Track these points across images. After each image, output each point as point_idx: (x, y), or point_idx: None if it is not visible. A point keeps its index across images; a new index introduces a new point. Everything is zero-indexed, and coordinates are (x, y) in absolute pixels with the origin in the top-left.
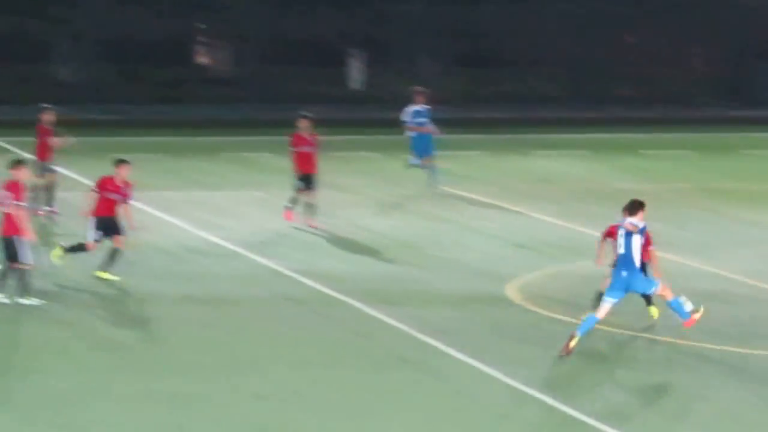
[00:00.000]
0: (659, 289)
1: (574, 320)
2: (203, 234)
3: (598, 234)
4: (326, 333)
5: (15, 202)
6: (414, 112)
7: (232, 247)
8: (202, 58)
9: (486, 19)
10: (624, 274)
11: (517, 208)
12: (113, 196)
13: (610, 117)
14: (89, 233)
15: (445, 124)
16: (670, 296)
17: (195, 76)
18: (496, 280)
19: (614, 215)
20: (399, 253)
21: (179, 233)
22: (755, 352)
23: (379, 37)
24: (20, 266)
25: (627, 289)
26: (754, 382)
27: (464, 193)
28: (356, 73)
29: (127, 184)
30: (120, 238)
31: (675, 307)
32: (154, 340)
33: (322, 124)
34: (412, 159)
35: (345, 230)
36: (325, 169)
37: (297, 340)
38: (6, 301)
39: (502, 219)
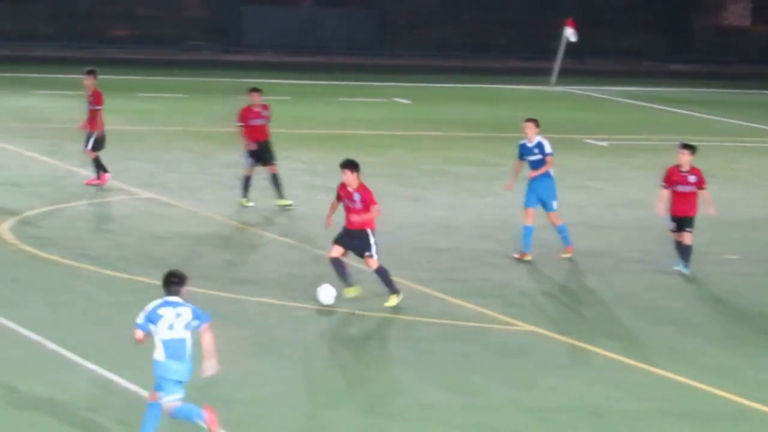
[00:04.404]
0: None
1: (68, 261)
2: None
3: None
4: None
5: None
6: None
7: None
8: None
9: None
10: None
11: (11, 147)
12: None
13: (106, 57)
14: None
15: None
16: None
17: None
18: None
19: (117, 154)
20: None
21: None
22: (243, 297)
23: None
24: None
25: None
26: (241, 327)
27: None
28: None
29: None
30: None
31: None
32: None
33: None
34: None
35: None
36: None
37: None
38: None
39: None
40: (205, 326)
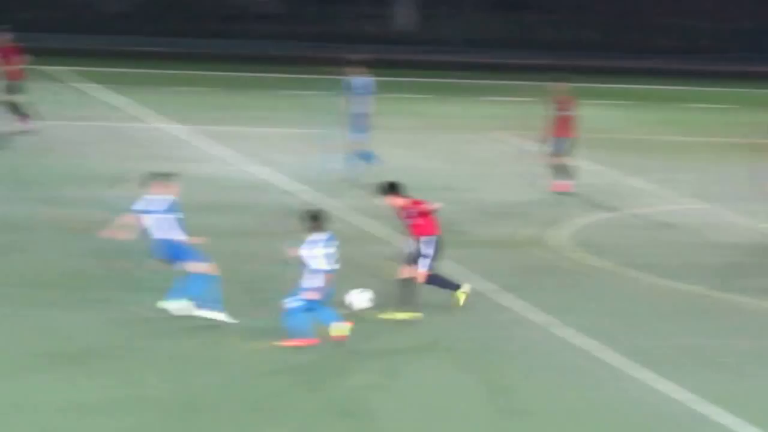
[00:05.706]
0: None
1: (620, 269)
2: (252, 168)
3: (643, 184)
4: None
5: None
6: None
7: (281, 181)
8: None
9: None
10: None
11: None
12: None
13: (650, 67)
14: None
15: (488, 68)
16: None
17: (248, 11)
18: (546, 225)
19: (665, 164)
20: (447, 196)
21: (228, 167)
22: None
23: None
24: None
25: None
26: (745, 338)
27: (510, 138)
28: (405, 14)
29: None
30: None
31: None
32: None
33: (371, 65)
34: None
35: (396, 172)
36: (377, 110)
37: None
38: None
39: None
40: None
